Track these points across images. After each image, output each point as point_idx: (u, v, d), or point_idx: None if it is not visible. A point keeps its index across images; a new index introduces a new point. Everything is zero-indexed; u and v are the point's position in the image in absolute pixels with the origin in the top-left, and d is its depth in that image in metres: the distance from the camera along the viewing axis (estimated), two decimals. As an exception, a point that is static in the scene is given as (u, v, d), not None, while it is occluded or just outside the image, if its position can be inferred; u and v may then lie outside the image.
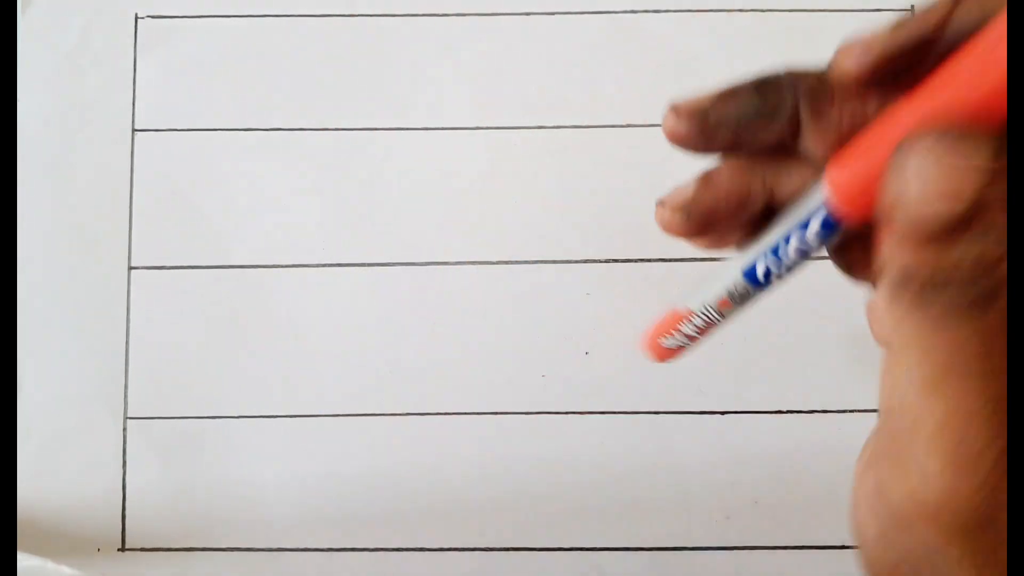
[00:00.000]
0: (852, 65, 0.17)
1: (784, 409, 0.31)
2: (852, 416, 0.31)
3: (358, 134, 0.31)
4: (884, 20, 0.34)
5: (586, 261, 0.31)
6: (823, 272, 0.31)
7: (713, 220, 0.18)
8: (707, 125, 0.18)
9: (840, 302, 0.31)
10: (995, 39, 0.14)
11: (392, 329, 0.31)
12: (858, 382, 0.31)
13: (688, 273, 0.31)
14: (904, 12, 0.32)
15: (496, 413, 0.31)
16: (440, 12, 0.32)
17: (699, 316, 0.19)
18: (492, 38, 0.32)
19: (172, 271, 0.31)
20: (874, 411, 0.30)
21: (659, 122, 0.32)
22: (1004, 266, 0.14)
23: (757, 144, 0.18)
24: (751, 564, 0.30)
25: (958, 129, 0.14)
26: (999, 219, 0.14)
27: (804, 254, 0.17)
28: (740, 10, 0.32)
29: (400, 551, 0.30)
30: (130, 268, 0.31)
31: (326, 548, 0.30)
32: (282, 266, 0.31)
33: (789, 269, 0.18)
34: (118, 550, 0.30)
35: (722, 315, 0.19)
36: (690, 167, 0.32)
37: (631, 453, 0.30)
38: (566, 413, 0.31)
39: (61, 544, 0.30)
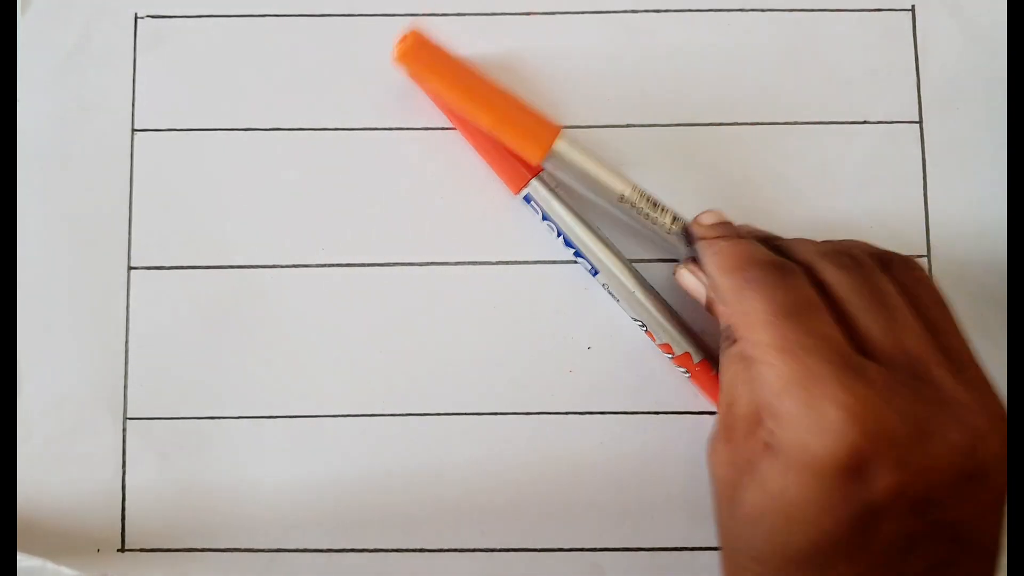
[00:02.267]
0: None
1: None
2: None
3: (359, 134, 0.31)
4: (885, 20, 0.34)
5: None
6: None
7: None
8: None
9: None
10: None
11: (392, 329, 0.31)
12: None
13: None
14: (904, 12, 0.32)
15: (496, 413, 0.31)
16: (441, 12, 0.32)
17: None
18: (493, 38, 0.32)
19: (172, 271, 0.31)
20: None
21: (658, 123, 0.32)
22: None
23: None
24: (751, 564, 0.30)
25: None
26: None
27: None
28: (740, 10, 0.32)
29: (400, 552, 0.30)
30: (130, 268, 0.31)
31: (326, 549, 0.30)
32: (282, 266, 0.31)
33: None
34: (118, 550, 0.30)
35: None
36: (689, 169, 0.32)
37: (631, 453, 0.30)
38: (565, 413, 0.31)
39: (60, 544, 0.30)
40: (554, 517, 0.30)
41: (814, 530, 0.22)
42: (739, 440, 0.24)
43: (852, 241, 0.27)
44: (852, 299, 0.24)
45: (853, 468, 0.21)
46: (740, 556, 0.23)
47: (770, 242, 0.28)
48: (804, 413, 0.22)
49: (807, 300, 0.23)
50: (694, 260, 0.28)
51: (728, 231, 0.28)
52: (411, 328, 0.31)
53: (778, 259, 0.25)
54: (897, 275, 0.25)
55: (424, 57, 0.28)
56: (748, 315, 0.24)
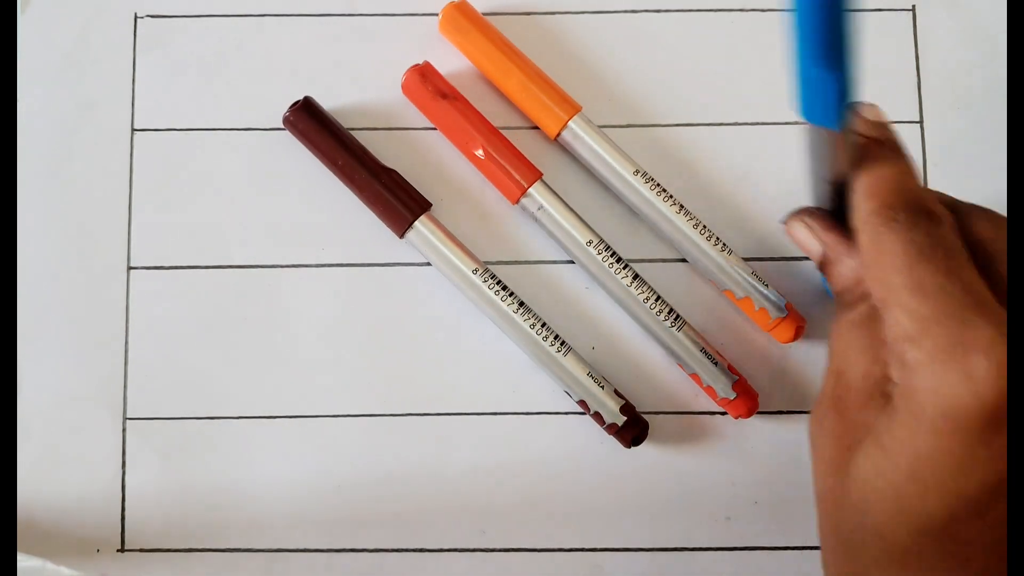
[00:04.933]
0: None
1: (784, 409, 0.31)
2: (852, 416, 0.31)
3: (358, 134, 0.31)
4: (885, 20, 0.34)
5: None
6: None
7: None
8: None
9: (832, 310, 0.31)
10: None
11: (392, 329, 0.31)
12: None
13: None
14: (905, 12, 0.32)
15: (496, 413, 0.31)
16: (437, 12, 0.31)
17: None
18: (492, 38, 0.32)
19: (171, 271, 0.31)
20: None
21: (658, 123, 0.32)
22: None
23: None
24: (751, 564, 0.30)
25: None
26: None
27: None
28: (740, 10, 0.32)
29: (400, 551, 0.30)
30: (129, 268, 0.31)
31: (326, 548, 0.30)
32: (282, 266, 0.31)
33: None
34: (117, 551, 0.30)
35: None
36: (689, 169, 0.32)
37: (631, 453, 0.30)
38: (566, 413, 0.31)
39: (60, 545, 0.30)
40: (554, 517, 0.30)
41: (951, 494, 0.19)
42: (852, 409, 0.21)
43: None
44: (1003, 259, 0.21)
45: (998, 421, 0.18)
46: (857, 537, 0.21)
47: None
48: (945, 356, 0.19)
49: (951, 246, 0.21)
50: (807, 211, 0.26)
51: (892, 147, 0.23)
52: (411, 328, 0.31)
53: (929, 206, 0.21)
54: None
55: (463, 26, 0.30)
56: (883, 256, 0.21)
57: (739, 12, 0.32)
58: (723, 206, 0.31)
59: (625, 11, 0.32)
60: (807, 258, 0.31)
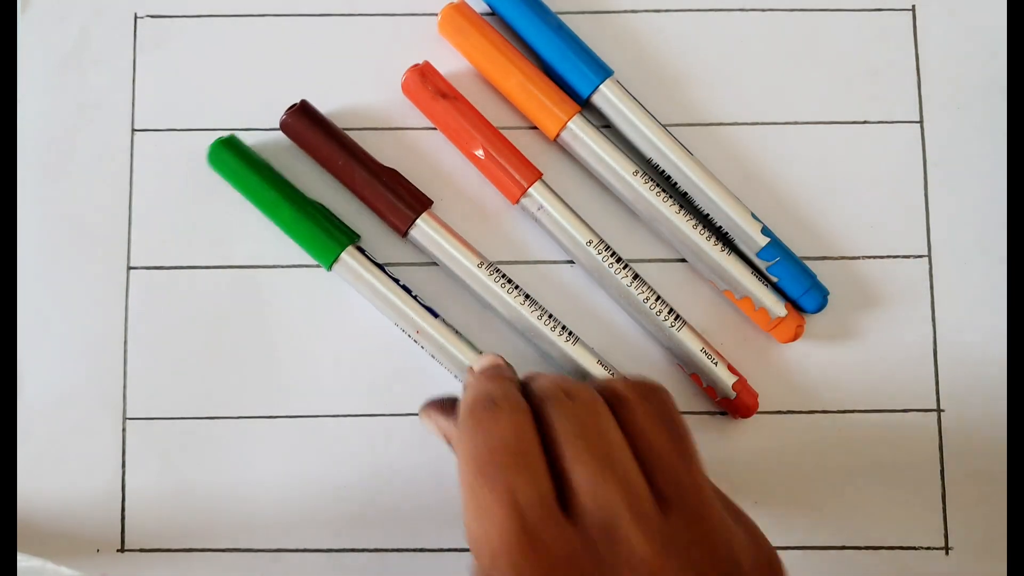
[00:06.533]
0: None
1: (783, 409, 0.31)
2: (852, 416, 0.31)
3: (358, 134, 0.31)
4: (885, 20, 0.34)
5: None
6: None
7: None
8: None
9: (832, 310, 0.31)
10: None
11: (392, 329, 0.31)
12: (857, 383, 0.31)
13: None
14: (905, 12, 0.32)
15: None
16: (436, 13, 0.31)
17: None
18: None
19: (171, 271, 0.31)
20: (873, 411, 0.30)
21: (658, 123, 0.32)
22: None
23: None
24: (751, 564, 0.30)
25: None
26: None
27: None
28: (740, 10, 0.32)
29: (400, 551, 0.30)
30: (129, 268, 0.31)
31: (326, 548, 0.30)
32: (282, 266, 0.31)
33: None
34: (117, 551, 0.30)
35: None
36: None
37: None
38: (566, 413, 0.31)
39: (60, 545, 0.30)
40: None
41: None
42: None
43: (590, 383, 0.25)
44: (567, 447, 0.22)
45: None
46: None
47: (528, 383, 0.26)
48: (473, 514, 0.22)
49: (507, 448, 0.22)
50: (432, 404, 0.28)
51: (490, 374, 0.26)
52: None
53: (493, 399, 0.24)
54: (628, 413, 0.23)
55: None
56: (459, 457, 0.23)
57: (739, 12, 0.32)
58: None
59: (626, 11, 0.32)
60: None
